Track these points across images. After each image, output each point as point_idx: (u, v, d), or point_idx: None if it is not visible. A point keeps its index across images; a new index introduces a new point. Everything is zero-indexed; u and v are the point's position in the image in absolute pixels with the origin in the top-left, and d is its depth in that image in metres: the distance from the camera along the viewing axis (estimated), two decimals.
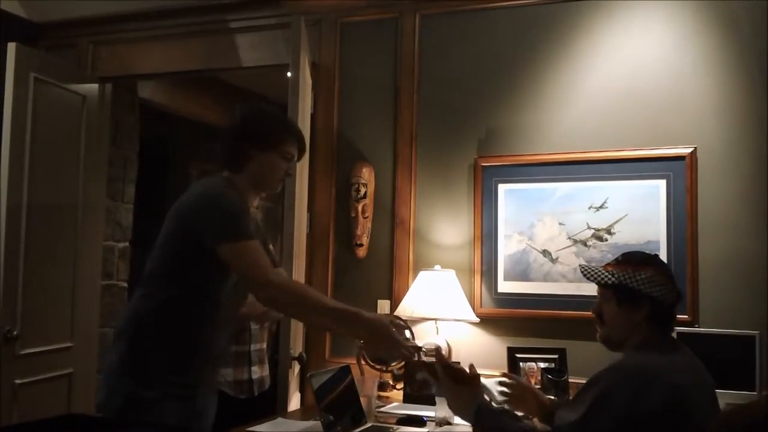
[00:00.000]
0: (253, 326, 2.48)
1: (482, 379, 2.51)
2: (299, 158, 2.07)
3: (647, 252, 1.84)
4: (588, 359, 2.73)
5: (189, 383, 1.86)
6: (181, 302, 1.83)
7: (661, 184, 2.72)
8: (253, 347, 2.46)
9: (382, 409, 2.38)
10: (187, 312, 1.85)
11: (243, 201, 1.89)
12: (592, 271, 1.72)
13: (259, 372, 2.49)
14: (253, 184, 1.98)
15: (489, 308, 2.93)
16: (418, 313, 2.79)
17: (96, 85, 3.64)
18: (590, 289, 2.74)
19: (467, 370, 1.80)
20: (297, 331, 2.88)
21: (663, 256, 2.68)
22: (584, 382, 2.63)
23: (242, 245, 1.79)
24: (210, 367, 1.95)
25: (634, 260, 1.69)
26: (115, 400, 1.80)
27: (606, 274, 1.68)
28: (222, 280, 1.88)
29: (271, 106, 2.17)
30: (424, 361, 1.90)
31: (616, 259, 1.73)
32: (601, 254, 2.77)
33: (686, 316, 2.62)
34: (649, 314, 1.64)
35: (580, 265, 1.82)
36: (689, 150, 2.68)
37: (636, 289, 1.63)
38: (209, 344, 1.91)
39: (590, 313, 1.76)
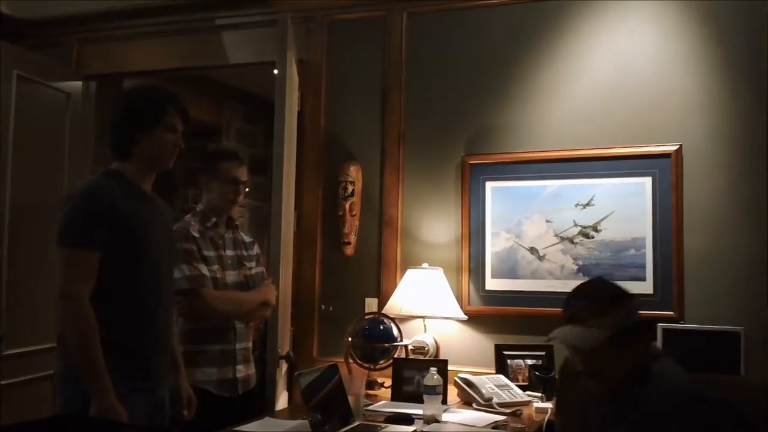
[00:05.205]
0: (239, 325, 2.46)
1: (471, 377, 2.53)
2: (185, 126, 2.03)
3: (597, 278, 1.71)
4: None
5: (147, 375, 1.90)
6: (107, 299, 1.83)
7: (647, 182, 2.73)
8: (238, 346, 2.44)
9: (370, 408, 2.37)
10: (117, 307, 1.86)
11: (93, 204, 1.84)
12: (583, 336, 1.53)
13: (245, 371, 2.47)
14: (146, 167, 1.99)
15: (477, 306, 2.93)
16: (406, 311, 2.79)
17: (80, 83, 3.61)
18: None
19: None
20: (285, 329, 2.87)
21: (649, 253, 2.70)
22: None
23: (60, 251, 1.83)
24: (159, 358, 1.96)
25: (606, 301, 1.55)
26: (76, 404, 1.79)
27: (598, 331, 1.52)
28: (133, 274, 1.88)
29: (148, 83, 2.15)
30: None
31: (589, 310, 1.54)
32: (588, 251, 2.79)
33: (672, 313, 2.64)
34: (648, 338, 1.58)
35: (563, 342, 1.58)
36: (674, 147, 2.70)
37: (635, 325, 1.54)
38: (149, 336, 1.92)
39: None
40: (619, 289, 1.59)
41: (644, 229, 2.72)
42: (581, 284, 1.68)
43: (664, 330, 2.54)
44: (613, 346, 1.52)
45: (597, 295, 1.59)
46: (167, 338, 2.02)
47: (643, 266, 2.70)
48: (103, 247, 1.83)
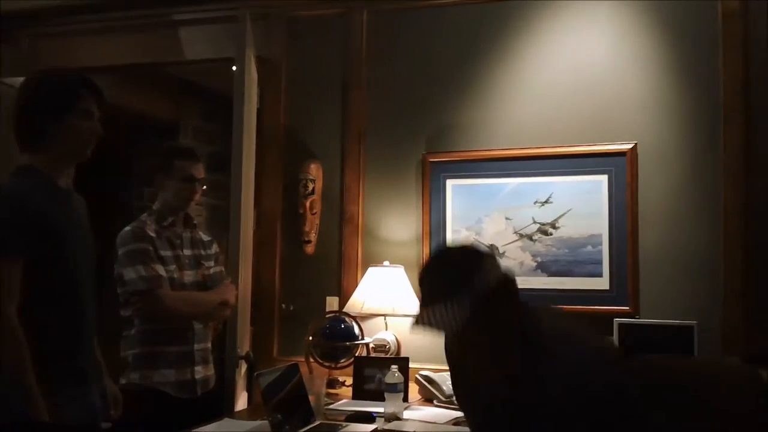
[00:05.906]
0: (197, 325, 2.42)
1: (431, 374, 2.54)
2: (101, 110, 1.86)
3: (439, 252, 1.67)
4: None
5: (79, 380, 1.81)
6: (36, 306, 1.73)
7: (604, 180, 2.78)
8: (197, 347, 2.40)
9: (331, 407, 2.36)
10: (47, 314, 1.76)
11: (4, 212, 1.72)
12: (444, 317, 1.41)
13: (204, 372, 2.43)
14: (60, 159, 1.84)
15: None
16: (367, 309, 2.78)
17: None
18: (537, 282, 2.82)
19: None
20: (244, 329, 2.84)
21: (605, 249, 2.75)
22: None
23: None
24: (89, 360, 1.88)
25: (454, 276, 1.44)
26: (4, 419, 1.67)
27: (458, 308, 1.41)
28: (58, 277, 1.79)
29: (56, 70, 2.02)
30: None
31: (440, 290, 1.44)
32: (546, 248, 2.83)
33: (628, 308, 2.70)
34: None
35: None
36: (630, 146, 2.76)
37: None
38: (79, 339, 1.84)
39: None
40: (465, 257, 1.48)
41: (601, 226, 2.77)
42: (428, 261, 1.59)
43: (620, 325, 2.60)
44: (482, 316, 1.40)
45: (444, 272, 1.47)
46: (93, 339, 1.92)
47: (599, 262, 2.75)
48: (22, 255, 1.69)
